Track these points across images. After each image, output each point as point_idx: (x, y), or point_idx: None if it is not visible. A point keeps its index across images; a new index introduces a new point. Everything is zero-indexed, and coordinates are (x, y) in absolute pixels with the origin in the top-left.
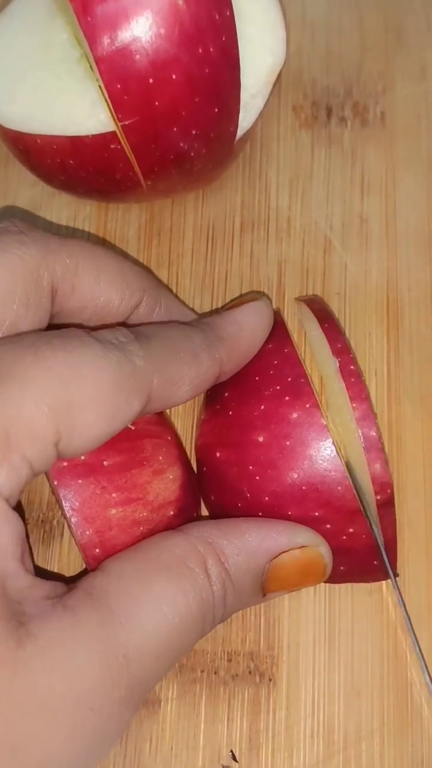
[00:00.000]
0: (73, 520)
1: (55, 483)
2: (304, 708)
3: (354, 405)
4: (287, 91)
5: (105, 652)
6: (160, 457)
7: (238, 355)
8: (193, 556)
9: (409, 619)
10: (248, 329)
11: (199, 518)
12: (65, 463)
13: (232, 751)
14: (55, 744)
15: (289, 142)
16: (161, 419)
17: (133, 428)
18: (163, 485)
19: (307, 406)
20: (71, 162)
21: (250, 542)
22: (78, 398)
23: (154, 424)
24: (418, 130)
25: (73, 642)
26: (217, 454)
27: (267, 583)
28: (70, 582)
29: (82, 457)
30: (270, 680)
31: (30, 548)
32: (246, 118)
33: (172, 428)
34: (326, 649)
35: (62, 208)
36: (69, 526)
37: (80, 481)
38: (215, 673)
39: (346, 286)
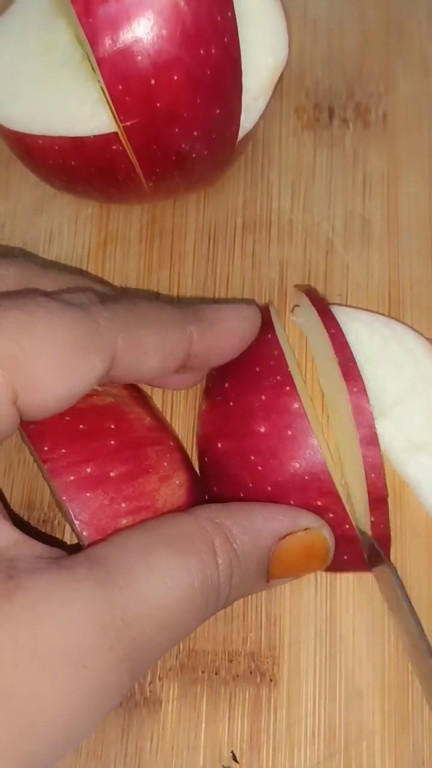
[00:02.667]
0: (84, 533)
1: (64, 498)
2: (304, 708)
3: (351, 399)
4: (289, 92)
5: (101, 612)
6: (165, 463)
7: (211, 340)
8: (200, 534)
9: (408, 599)
10: (227, 320)
11: None
12: (72, 477)
13: (232, 751)
14: (49, 696)
15: (291, 143)
16: (161, 425)
17: (111, 401)
18: (171, 491)
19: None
20: (73, 163)
21: (257, 523)
22: (32, 354)
23: (154, 430)
24: (420, 131)
25: (65, 598)
26: (219, 445)
27: (272, 567)
28: None
29: (88, 470)
30: (271, 680)
31: (10, 513)
32: (248, 119)
33: (173, 432)
34: (327, 649)
35: (64, 209)
36: (80, 540)
37: (88, 494)
38: (216, 673)
39: (347, 288)
